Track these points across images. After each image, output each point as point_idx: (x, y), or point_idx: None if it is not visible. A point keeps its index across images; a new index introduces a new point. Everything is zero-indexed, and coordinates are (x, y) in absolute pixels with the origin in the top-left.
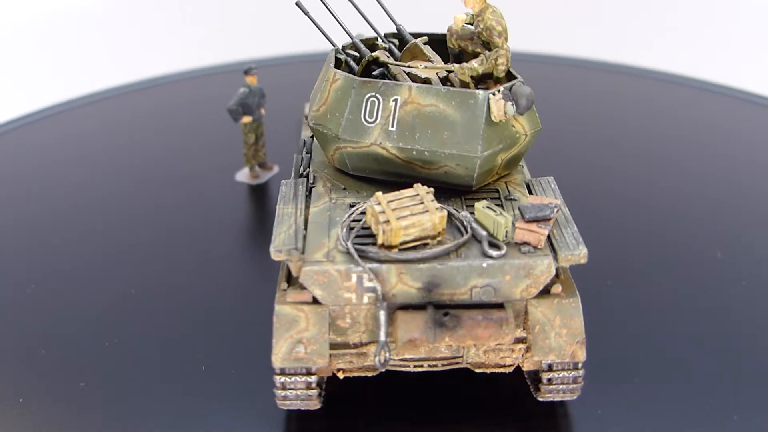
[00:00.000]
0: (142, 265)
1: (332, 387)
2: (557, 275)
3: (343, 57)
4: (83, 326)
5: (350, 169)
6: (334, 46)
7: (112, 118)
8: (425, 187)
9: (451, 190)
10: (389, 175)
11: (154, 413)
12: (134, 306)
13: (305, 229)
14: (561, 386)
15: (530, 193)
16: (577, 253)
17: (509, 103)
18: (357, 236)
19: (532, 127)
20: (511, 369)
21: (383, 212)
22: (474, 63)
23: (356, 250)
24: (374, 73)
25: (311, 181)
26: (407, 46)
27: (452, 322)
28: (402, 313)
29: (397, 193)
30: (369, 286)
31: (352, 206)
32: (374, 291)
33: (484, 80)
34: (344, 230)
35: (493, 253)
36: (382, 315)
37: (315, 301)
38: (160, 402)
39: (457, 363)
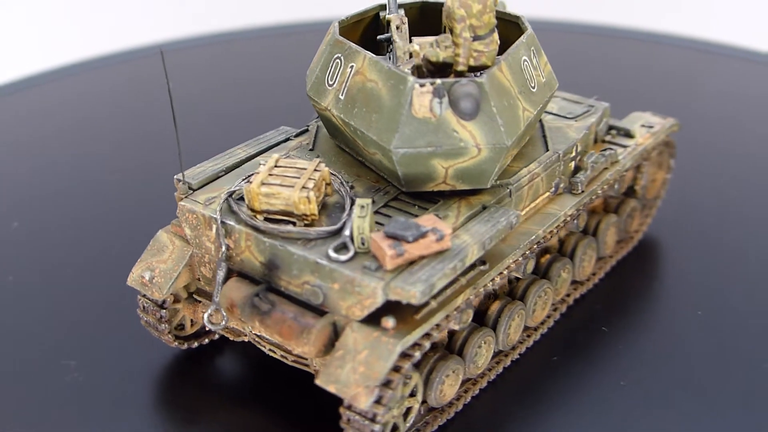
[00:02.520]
0: None
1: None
2: (418, 310)
3: (383, 15)
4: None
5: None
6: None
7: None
8: (323, 164)
9: (394, 186)
10: (352, 150)
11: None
12: None
13: (227, 172)
14: None
15: (469, 218)
16: (407, 289)
17: (437, 100)
18: None
19: (490, 141)
20: None
21: (258, 173)
22: (415, 44)
23: (229, 202)
24: (380, 37)
25: (295, 135)
26: None
27: (264, 307)
28: (234, 280)
29: (295, 161)
30: (227, 242)
31: None
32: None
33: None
34: (242, 182)
35: (332, 253)
36: (220, 274)
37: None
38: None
39: (305, 365)
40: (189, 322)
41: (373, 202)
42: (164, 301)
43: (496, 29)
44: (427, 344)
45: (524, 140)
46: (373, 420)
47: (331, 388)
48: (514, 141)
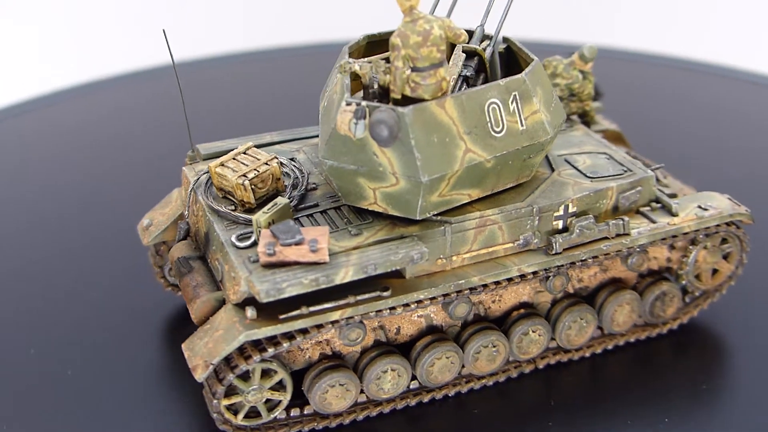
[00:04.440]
0: None
1: None
2: (285, 311)
3: None
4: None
5: None
6: None
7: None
8: (276, 159)
9: None
10: None
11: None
12: None
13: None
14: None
15: (380, 242)
16: (255, 285)
17: (354, 120)
18: None
19: (405, 173)
20: None
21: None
22: (356, 64)
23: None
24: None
25: None
26: None
27: (184, 269)
28: (183, 242)
29: (259, 152)
30: (193, 208)
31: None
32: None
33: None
34: None
35: (233, 239)
36: (179, 234)
37: None
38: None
39: None
40: None
41: (317, 205)
42: (159, 249)
43: (444, 64)
44: (286, 344)
45: (493, 184)
46: (213, 395)
47: (186, 354)
48: (436, 179)
